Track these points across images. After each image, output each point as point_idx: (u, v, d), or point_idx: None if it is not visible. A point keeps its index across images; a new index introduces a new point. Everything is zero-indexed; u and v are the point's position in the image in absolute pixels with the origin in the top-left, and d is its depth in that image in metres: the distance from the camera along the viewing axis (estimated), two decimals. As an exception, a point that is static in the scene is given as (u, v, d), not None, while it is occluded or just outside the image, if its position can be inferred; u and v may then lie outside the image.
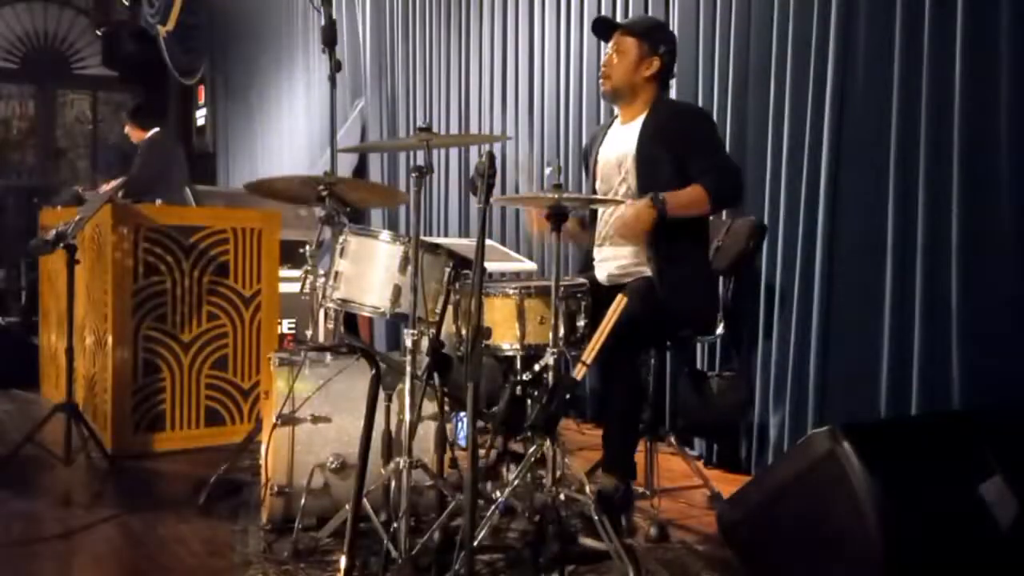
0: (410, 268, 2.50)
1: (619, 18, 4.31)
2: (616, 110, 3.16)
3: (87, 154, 12.08)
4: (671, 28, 4.00)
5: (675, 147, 2.87)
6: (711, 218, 3.13)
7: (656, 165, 2.89)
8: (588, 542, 2.51)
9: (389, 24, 6.57)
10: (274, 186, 3.11)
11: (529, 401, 2.77)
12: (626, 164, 2.96)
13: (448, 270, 2.71)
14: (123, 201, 4.12)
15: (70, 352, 3.46)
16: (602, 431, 2.89)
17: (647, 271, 2.91)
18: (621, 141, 3.01)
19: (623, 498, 2.70)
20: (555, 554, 2.40)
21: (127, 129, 6.35)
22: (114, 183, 4.17)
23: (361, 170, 6.80)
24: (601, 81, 3.05)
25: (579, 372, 2.46)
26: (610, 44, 3.02)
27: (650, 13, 4.13)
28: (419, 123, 2.48)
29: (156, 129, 6.25)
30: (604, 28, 3.09)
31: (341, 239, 2.72)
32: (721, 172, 2.88)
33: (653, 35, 2.99)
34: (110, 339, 3.75)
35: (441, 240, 4.32)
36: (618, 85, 2.99)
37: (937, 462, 2.18)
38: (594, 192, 3.11)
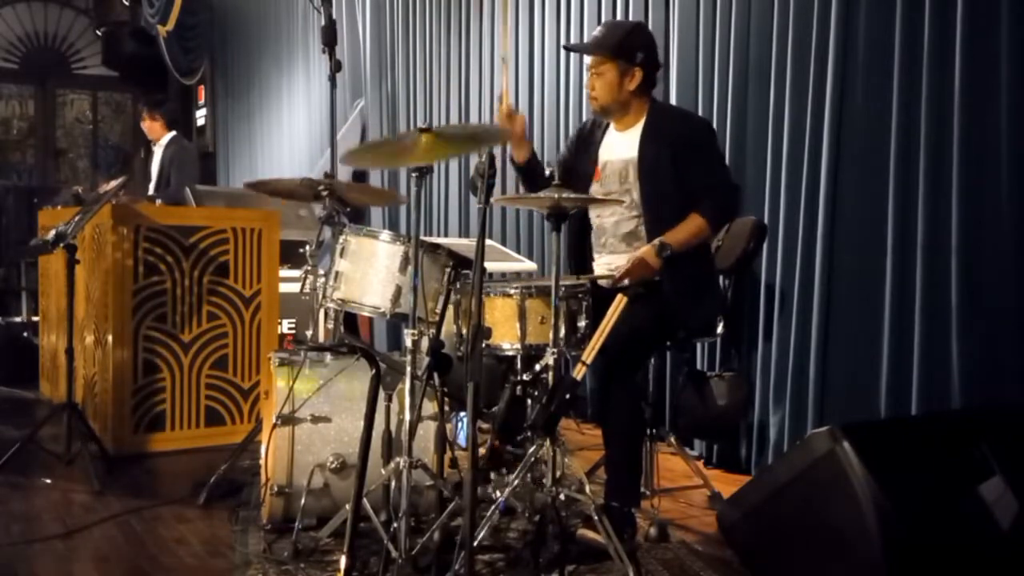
0: (410, 268, 2.50)
1: (618, 16, 4.31)
2: None
3: (87, 154, 12.08)
4: (671, 25, 4.01)
5: (675, 150, 2.84)
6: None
7: (658, 172, 2.85)
8: (589, 534, 2.51)
9: (389, 24, 6.57)
10: (274, 185, 3.12)
11: (529, 401, 2.77)
12: (629, 175, 2.91)
13: (448, 270, 2.71)
14: (123, 200, 4.12)
15: (70, 352, 3.45)
16: (606, 454, 2.83)
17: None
18: (621, 149, 2.96)
19: (628, 522, 2.69)
20: (555, 554, 2.40)
21: (147, 122, 6.11)
22: (114, 183, 4.16)
23: (362, 169, 6.80)
24: (590, 101, 3.00)
25: (579, 372, 2.46)
26: (588, 64, 2.96)
27: (650, 13, 4.13)
28: (419, 123, 2.48)
29: (174, 133, 6.17)
30: (574, 50, 3.04)
31: (341, 239, 2.72)
32: (721, 195, 2.87)
33: (625, 47, 2.89)
34: (110, 339, 3.75)
35: (441, 240, 4.32)
36: (606, 104, 2.94)
37: (937, 462, 2.18)
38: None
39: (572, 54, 4.74)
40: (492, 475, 2.91)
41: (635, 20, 4.05)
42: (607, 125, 3.06)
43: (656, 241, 2.77)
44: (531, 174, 3.02)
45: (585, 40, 3.14)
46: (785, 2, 3.46)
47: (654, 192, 2.86)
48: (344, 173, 6.45)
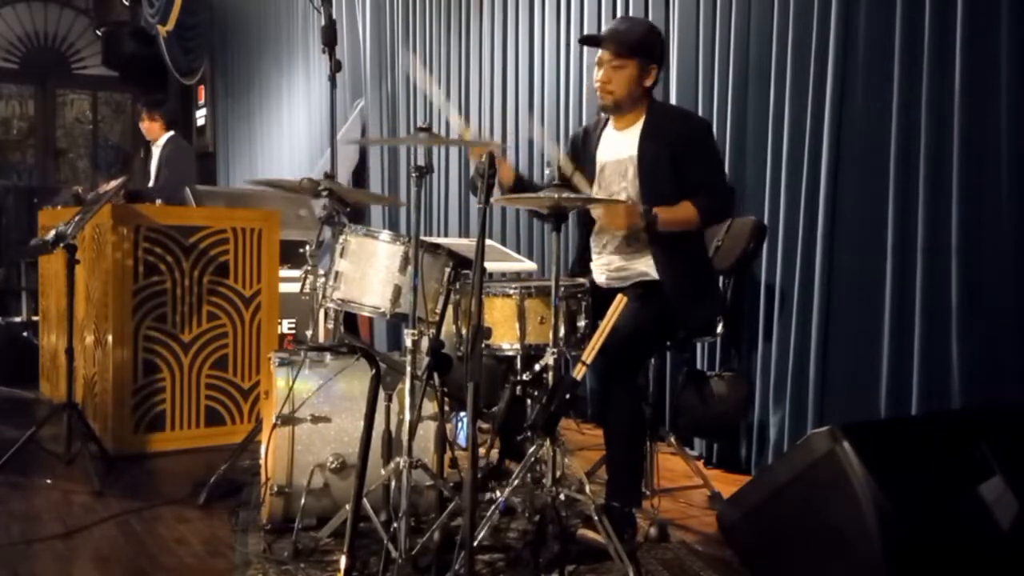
0: (410, 268, 2.50)
1: (618, 14, 4.31)
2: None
3: (87, 154, 12.09)
4: (671, 25, 4.01)
5: (674, 149, 2.84)
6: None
7: (658, 171, 2.86)
8: (589, 534, 2.51)
9: (389, 24, 6.57)
10: (277, 181, 3.13)
11: (529, 401, 2.77)
12: (628, 171, 2.92)
13: (448, 270, 2.71)
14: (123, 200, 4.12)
15: (70, 352, 3.46)
16: (606, 454, 2.82)
17: (647, 275, 2.90)
18: (620, 147, 2.96)
19: (628, 522, 2.69)
20: (555, 554, 2.40)
21: (146, 122, 6.10)
22: (114, 183, 4.16)
23: (361, 169, 6.80)
24: (601, 96, 2.94)
25: (579, 372, 2.46)
26: (602, 57, 2.91)
27: (650, 13, 4.13)
28: (419, 123, 2.48)
29: (172, 132, 6.16)
30: (593, 42, 3.01)
31: (341, 239, 2.72)
32: (716, 193, 2.88)
33: (646, 44, 2.89)
34: (110, 339, 3.75)
35: (441, 240, 4.32)
36: (621, 99, 2.90)
37: (937, 462, 2.18)
38: None
39: (571, 54, 4.73)
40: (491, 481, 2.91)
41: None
42: (604, 126, 3.06)
43: (645, 207, 2.78)
44: (525, 191, 2.99)
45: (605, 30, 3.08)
46: (785, 2, 3.45)
47: (653, 191, 2.86)
48: (344, 173, 6.47)
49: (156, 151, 6.09)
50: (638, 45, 2.88)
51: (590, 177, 3.02)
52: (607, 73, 2.90)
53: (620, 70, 2.88)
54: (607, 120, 3.05)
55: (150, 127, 6.09)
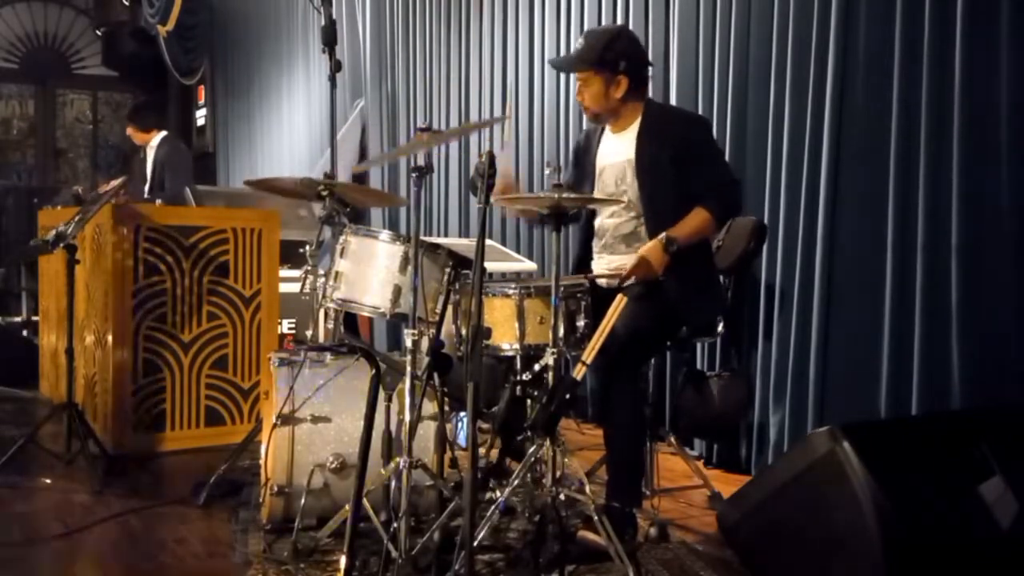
0: (410, 268, 2.50)
1: (618, 19, 4.31)
2: None
3: (87, 154, 12.09)
4: (671, 25, 4.02)
5: (674, 150, 2.84)
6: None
7: (657, 172, 2.85)
8: (590, 535, 2.51)
9: (389, 24, 6.58)
10: (275, 184, 3.12)
11: (529, 401, 2.77)
12: (626, 175, 2.91)
13: (448, 270, 2.71)
14: (123, 200, 4.12)
15: (70, 352, 3.46)
16: (606, 454, 2.81)
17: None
18: (618, 151, 2.96)
19: (629, 522, 2.69)
20: (555, 554, 2.40)
21: (130, 130, 6.11)
22: (114, 183, 4.16)
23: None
24: (583, 111, 2.99)
25: (579, 372, 2.46)
26: (575, 74, 2.95)
27: (650, 13, 4.13)
28: (419, 123, 2.48)
29: (164, 133, 6.16)
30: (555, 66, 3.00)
31: (341, 239, 2.72)
32: (723, 189, 2.86)
33: (607, 58, 2.84)
34: (110, 339, 3.75)
35: (441, 240, 4.32)
36: (598, 112, 2.93)
37: (937, 462, 2.18)
38: None
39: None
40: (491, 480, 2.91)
41: (618, 25, 4.05)
42: (603, 129, 3.06)
43: (663, 236, 2.74)
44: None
45: (572, 49, 3.10)
46: (785, 2, 3.45)
47: (653, 192, 2.86)
48: (344, 174, 6.46)
49: (151, 152, 6.08)
50: (597, 61, 2.86)
51: (590, 181, 3.02)
52: (579, 89, 2.94)
53: (587, 86, 2.91)
54: (604, 126, 3.06)
55: (135, 134, 6.09)
